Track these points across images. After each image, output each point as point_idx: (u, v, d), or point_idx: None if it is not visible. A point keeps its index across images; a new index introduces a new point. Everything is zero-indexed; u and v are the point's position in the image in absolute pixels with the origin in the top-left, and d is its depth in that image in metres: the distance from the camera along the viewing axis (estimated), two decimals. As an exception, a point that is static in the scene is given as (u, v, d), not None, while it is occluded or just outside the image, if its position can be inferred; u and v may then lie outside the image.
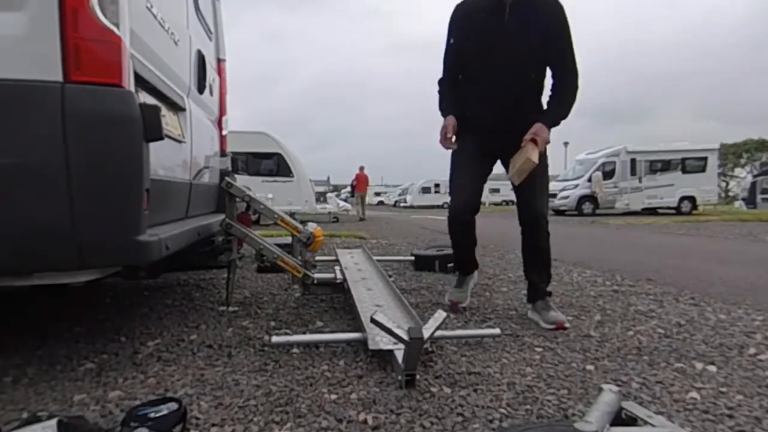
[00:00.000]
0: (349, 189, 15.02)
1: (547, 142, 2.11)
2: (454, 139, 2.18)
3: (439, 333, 1.62)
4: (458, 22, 2.22)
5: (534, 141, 2.06)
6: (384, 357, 1.66)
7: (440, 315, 1.53)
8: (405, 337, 1.41)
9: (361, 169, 14.65)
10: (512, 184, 2.19)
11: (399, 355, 1.51)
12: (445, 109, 2.29)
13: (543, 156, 2.14)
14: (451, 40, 2.25)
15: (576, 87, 2.14)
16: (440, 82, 2.33)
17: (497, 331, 1.93)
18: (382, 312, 1.51)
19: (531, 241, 2.25)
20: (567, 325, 2.08)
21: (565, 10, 2.08)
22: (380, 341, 1.63)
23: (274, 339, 1.81)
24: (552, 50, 2.11)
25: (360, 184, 14.55)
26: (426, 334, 1.45)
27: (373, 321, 1.47)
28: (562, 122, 2.18)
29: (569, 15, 2.10)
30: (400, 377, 1.45)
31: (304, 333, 2.01)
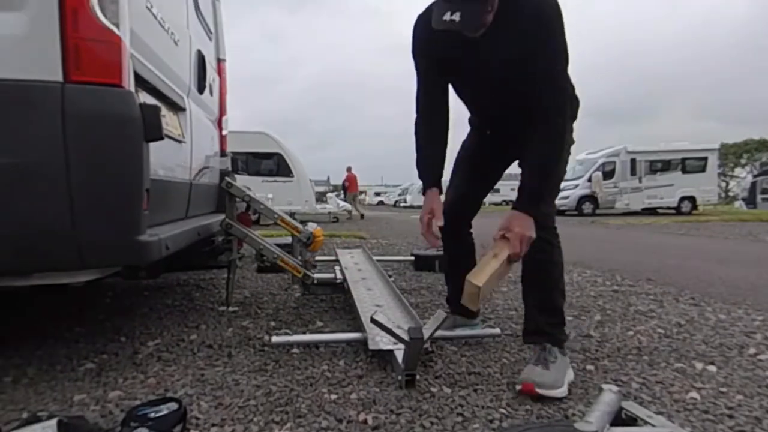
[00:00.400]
0: (341, 190, 15.02)
1: (530, 237, 1.39)
2: (439, 226, 1.57)
3: (439, 333, 1.63)
4: (420, 53, 1.63)
5: (506, 237, 1.40)
6: (384, 357, 1.66)
7: (440, 315, 1.54)
8: (405, 337, 1.41)
9: (349, 169, 14.75)
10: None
11: (399, 355, 1.51)
12: (423, 172, 1.65)
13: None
14: (419, 75, 1.66)
15: (562, 133, 1.45)
16: (416, 130, 1.69)
17: (497, 330, 1.93)
18: (382, 312, 1.51)
19: (527, 258, 1.49)
20: (552, 393, 1.38)
21: (552, 18, 1.38)
22: (380, 341, 1.64)
23: (274, 339, 1.81)
24: (531, 77, 1.44)
25: (352, 184, 14.70)
26: (426, 334, 1.45)
27: (373, 321, 1.47)
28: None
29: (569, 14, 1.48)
30: (400, 377, 1.45)
31: (304, 333, 2.01)
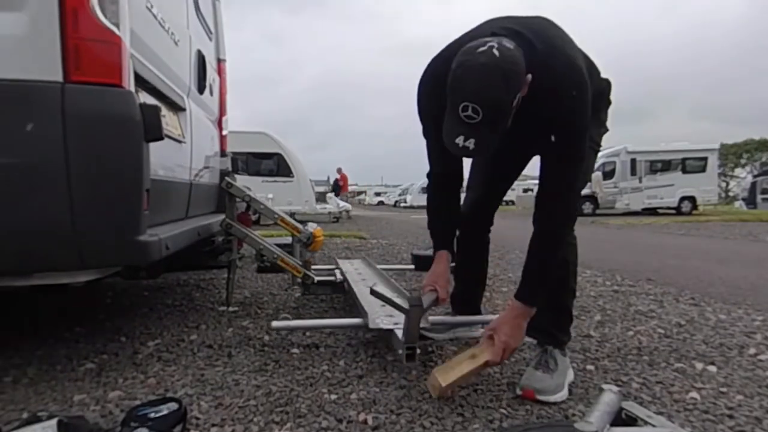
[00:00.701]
0: (331, 189, 14.36)
1: (514, 349, 1.36)
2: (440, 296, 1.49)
3: (439, 318, 1.68)
4: (426, 117, 1.49)
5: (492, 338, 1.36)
6: (384, 358, 1.66)
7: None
8: (405, 305, 1.43)
9: (339, 170, 14.70)
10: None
11: (399, 334, 1.53)
12: (434, 235, 1.61)
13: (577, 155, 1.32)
14: (426, 133, 1.53)
15: (563, 231, 1.40)
16: (430, 188, 1.64)
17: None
18: (381, 285, 1.53)
19: (535, 251, 1.41)
20: (552, 398, 1.36)
21: (577, 99, 1.26)
22: (380, 322, 1.66)
23: (274, 324, 1.81)
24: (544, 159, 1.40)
25: (345, 184, 14.71)
26: (426, 303, 1.45)
27: (372, 293, 1.49)
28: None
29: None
30: (400, 351, 1.46)
31: (304, 324, 2.00)
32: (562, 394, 1.38)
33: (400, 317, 1.55)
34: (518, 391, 1.40)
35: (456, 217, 1.65)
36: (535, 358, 1.50)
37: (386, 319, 1.65)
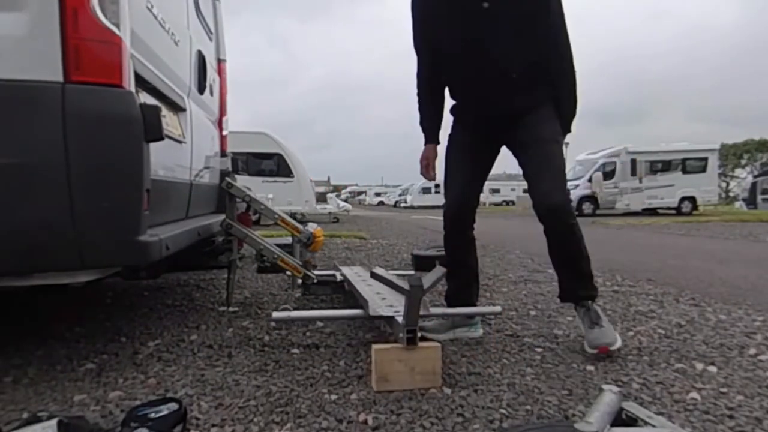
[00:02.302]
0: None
1: None
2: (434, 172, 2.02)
3: (440, 311, 1.73)
4: (420, 12, 1.84)
5: None
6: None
7: (439, 270, 1.56)
8: (405, 286, 1.45)
9: None
10: (522, 168, 1.84)
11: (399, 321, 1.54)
12: (425, 128, 2.00)
13: (552, 124, 1.79)
14: (417, 39, 1.89)
15: (571, 74, 1.78)
16: (418, 89, 1.98)
17: (498, 309, 1.97)
18: (382, 267, 1.55)
19: (555, 241, 1.81)
20: (616, 346, 1.68)
21: None
22: (380, 310, 1.68)
23: (275, 314, 1.81)
24: (540, 30, 1.70)
25: None
26: (426, 284, 1.47)
27: (373, 275, 1.52)
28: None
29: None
30: (401, 335, 1.46)
31: (305, 315, 2.02)
32: (619, 341, 1.69)
33: (401, 306, 1.56)
34: (591, 351, 1.66)
35: (440, 109, 1.99)
36: (585, 321, 1.75)
37: (386, 308, 1.70)
